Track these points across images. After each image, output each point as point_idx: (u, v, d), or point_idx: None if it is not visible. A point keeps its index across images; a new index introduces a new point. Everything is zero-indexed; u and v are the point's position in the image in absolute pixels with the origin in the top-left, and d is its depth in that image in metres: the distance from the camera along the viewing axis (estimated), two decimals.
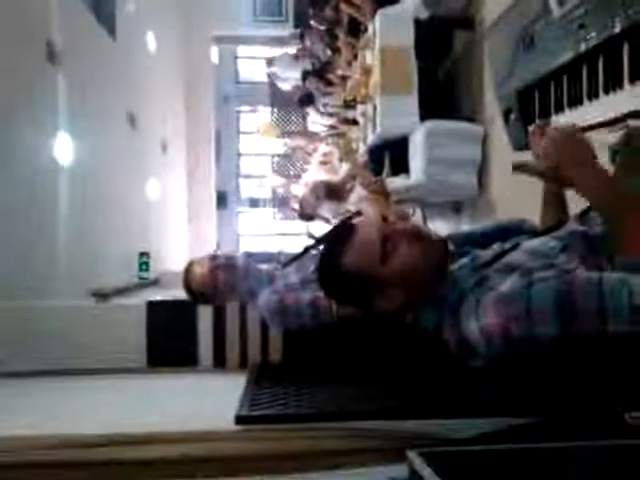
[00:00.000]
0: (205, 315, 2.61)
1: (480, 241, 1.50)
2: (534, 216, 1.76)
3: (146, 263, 5.47)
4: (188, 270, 2.20)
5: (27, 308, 2.83)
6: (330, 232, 1.34)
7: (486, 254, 1.32)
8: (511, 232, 1.60)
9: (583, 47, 1.58)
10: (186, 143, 10.05)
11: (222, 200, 11.27)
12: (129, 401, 2.26)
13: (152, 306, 2.66)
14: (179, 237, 9.29)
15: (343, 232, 1.28)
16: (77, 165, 4.86)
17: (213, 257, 2.21)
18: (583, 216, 1.38)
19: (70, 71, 4.70)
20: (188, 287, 2.21)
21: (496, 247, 1.35)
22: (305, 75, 7.48)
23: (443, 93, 5.36)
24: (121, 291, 3.94)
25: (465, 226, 4.78)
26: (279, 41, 11.15)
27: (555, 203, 1.66)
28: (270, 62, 9.12)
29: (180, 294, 2.40)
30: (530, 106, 1.97)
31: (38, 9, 4.37)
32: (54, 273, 4.29)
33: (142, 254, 5.47)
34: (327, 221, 6.86)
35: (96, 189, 5.34)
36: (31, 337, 2.74)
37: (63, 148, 4.70)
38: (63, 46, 4.57)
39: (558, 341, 1.08)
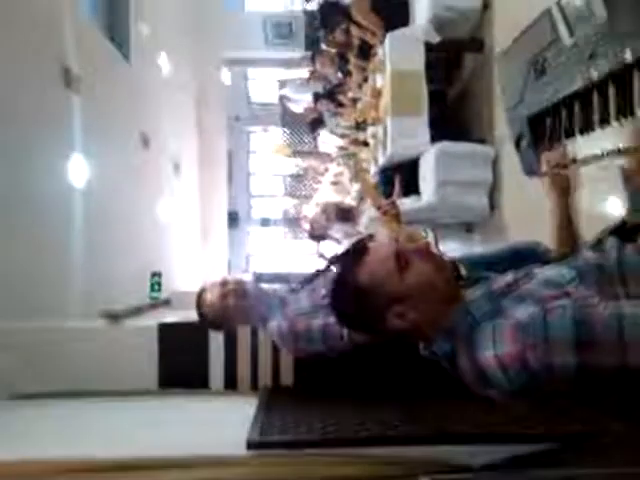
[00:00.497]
0: (217, 338, 2.61)
1: (494, 264, 1.50)
2: (545, 236, 1.76)
3: (158, 283, 5.47)
4: (200, 296, 2.21)
5: (37, 330, 2.85)
6: (343, 254, 1.35)
7: (500, 282, 1.32)
8: (525, 255, 1.60)
9: (594, 75, 1.59)
10: (198, 163, 10.14)
11: (233, 220, 11.33)
12: (139, 425, 2.26)
13: (163, 328, 2.67)
14: (191, 256, 9.32)
15: (356, 252, 1.30)
16: (90, 186, 4.91)
17: (224, 282, 2.21)
18: (596, 245, 1.38)
19: (86, 95, 4.78)
20: (200, 313, 2.22)
21: (510, 275, 1.35)
22: (316, 97, 7.55)
23: (453, 115, 5.40)
24: (133, 312, 3.95)
25: (477, 247, 4.77)
26: (290, 63, 11.29)
27: (566, 225, 1.67)
28: (282, 85, 9.22)
29: (192, 315, 2.41)
30: (541, 132, 1.98)
31: (55, 35, 4.46)
32: (66, 293, 4.31)
33: (154, 274, 5.47)
34: (338, 242, 6.86)
35: (109, 209, 5.39)
36: (42, 359, 2.75)
37: (77, 169, 4.76)
38: (79, 71, 4.64)
39: (576, 371, 1.07)
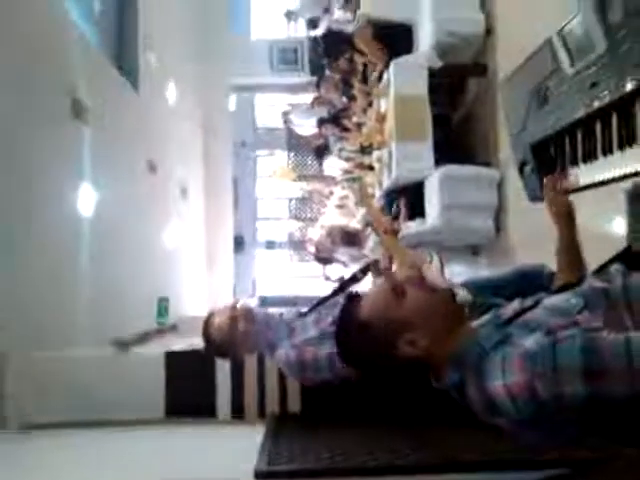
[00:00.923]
0: (223, 366, 2.61)
1: (500, 288, 1.51)
2: (552, 259, 1.77)
3: (165, 308, 5.50)
4: (207, 322, 2.22)
5: (48, 359, 2.85)
6: (342, 310, 1.38)
7: (508, 309, 1.33)
8: (531, 279, 1.61)
9: (596, 104, 1.61)
10: (204, 189, 10.22)
11: (239, 244, 11.36)
12: (146, 454, 2.25)
13: (170, 356, 2.67)
14: (197, 281, 9.34)
15: (353, 297, 1.35)
16: (99, 214, 4.96)
17: (231, 308, 2.21)
18: (601, 271, 1.38)
19: (95, 125, 4.85)
20: (207, 339, 2.22)
21: (517, 303, 1.35)
22: (321, 122, 7.64)
23: (458, 138, 5.44)
24: (141, 338, 3.96)
25: (484, 270, 4.76)
26: (296, 88, 11.44)
27: (570, 251, 1.68)
28: (287, 112, 9.34)
29: (198, 341, 2.41)
30: (545, 159, 2.00)
31: (65, 66, 4.54)
32: (75, 319, 4.32)
33: (161, 299, 5.50)
34: (344, 264, 6.88)
35: (117, 236, 5.43)
36: (50, 389, 2.75)
37: (86, 198, 4.82)
38: (89, 102, 4.72)
39: (587, 400, 1.07)
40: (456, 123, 5.57)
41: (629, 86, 1.50)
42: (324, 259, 6.87)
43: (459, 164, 4.67)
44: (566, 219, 1.68)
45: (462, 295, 1.37)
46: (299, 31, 11.40)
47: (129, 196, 5.98)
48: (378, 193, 5.74)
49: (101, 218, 5.00)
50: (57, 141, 4.37)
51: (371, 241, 4.60)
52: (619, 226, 2.70)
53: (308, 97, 10.49)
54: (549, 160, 1.98)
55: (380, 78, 5.60)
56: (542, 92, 1.79)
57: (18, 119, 3.78)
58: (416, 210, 4.74)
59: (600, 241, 2.06)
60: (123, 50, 6.58)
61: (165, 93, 8.09)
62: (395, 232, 3.07)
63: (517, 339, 1.19)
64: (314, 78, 9.33)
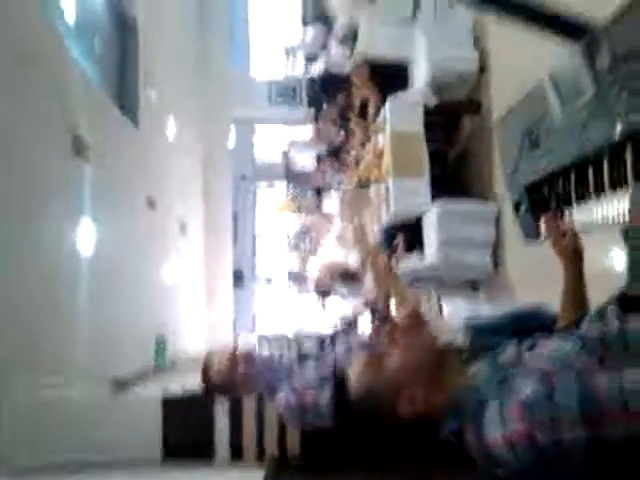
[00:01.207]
0: (222, 407, 2.58)
1: (500, 331, 1.50)
2: (551, 294, 1.76)
3: (163, 347, 5.45)
4: (206, 363, 2.20)
5: (43, 401, 2.82)
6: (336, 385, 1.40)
7: (506, 354, 1.33)
8: (530, 321, 1.60)
9: (587, 148, 1.64)
10: (204, 224, 10.26)
11: (239, 278, 11.35)
12: None
13: (168, 398, 2.65)
14: (197, 317, 9.30)
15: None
16: (97, 250, 4.96)
17: (232, 350, 2.20)
18: (599, 314, 1.38)
19: (95, 162, 4.90)
20: (206, 380, 2.19)
21: (515, 346, 1.35)
22: (319, 159, 7.73)
23: (454, 173, 5.49)
24: (139, 377, 3.91)
25: (483, 306, 4.73)
26: (294, 121, 11.57)
27: (576, 292, 1.68)
28: (286, 152, 9.47)
29: (197, 380, 2.38)
30: (539, 200, 2.02)
31: (67, 104, 4.61)
32: (71, 357, 4.29)
33: (159, 339, 5.45)
34: (343, 297, 6.87)
35: (116, 273, 5.43)
36: (47, 429, 2.72)
37: (84, 234, 4.83)
38: (90, 139, 4.78)
39: (585, 445, 1.06)
40: (452, 158, 5.63)
41: (619, 129, 1.53)
42: (323, 291, 6.86)
43: (456, 199, 4.70)
44: (573, 258, 1.67)
45: (460, 339, 1.36)
46: (298, 65, 11.60)
47: (128, 232, 6.00)
48: (376, 228, 5.77)
49: (100, 255, 5.01)
50: (57, 178, 4.41)
51: (369, 278, 4.60)
52: (619, 263, 2.71)
53: (306, 130, 10.64)
54: (543, 201, 2.00)
55: (377, 114, 5.68)
56: (534, 134, 1.82)
57: (18, 155, 3.82)
58: (414, 245, 4.75)
59: (601, 278, 2.06)
60: (124, 86, 6.68)
61: (165, 129, 8.19)
62: (393, 271, 3.06)
63: (515, 384, 1.19)
64: (312, 110, 9.46)
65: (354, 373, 1.32)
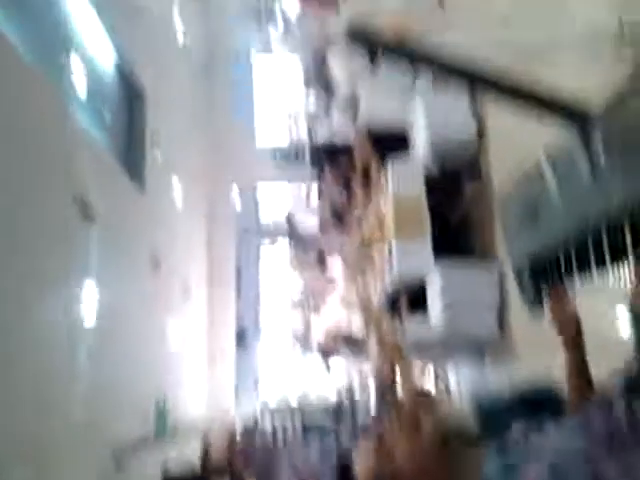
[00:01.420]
0: None
1: (507, 410, 1.48)
2: (556, 357, 1.74)
3: (163, 413, 5.34)
4: (204, 449, 2.16)
5: None
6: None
7: (512, 436, 1.31)
8: (538, 400, 1.58)
9: (586, 222, 1.67)
10: (207, 281, 10.26)
11: (241, 338, 11.22)
12: None
13: (167, 477, 2.57)
14: (197, 381, 9.14)
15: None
16: (100, 313, 4.96)
17: (231, 436, 2.16)
18: (606, 400, 1.37)
19: (101, 225, 4.97)
20: (204, 466, 2.15)
21: (521, 428, 1.33)
22: (322, 226, 7.82)
23: (456, 234, 5.53)
24: (138, 447, 3.80)
25: (490, 373, 4.66)
26: (297, 179, 11.75)
27: (580, 374, 1.66)
28: (290, 215, 9.59)
29: (197, 448, 2.33)
30: (540, 269, 2.03)
31: (73, 168, 4.72)
32: (70, 421, 4.21)
33: (159, 403, 5.35)
34: (346, 358, 6.78)
35: (116, 336, 5.40)
36: None
37: (87, 298, 4.84)
38: (97, 205, 4.87)
39: None
40: (454, 219, 5.68)
41: (616, 203, 1.56)
42: (327, 353, 6.80)
43: (458, 260, 4.71)
44: (574, 337, 1.66)
45: (468, 421, 1.34)
46: (302, 129, 11.86)
47: (132, 294, 6.01)
48: (380, 288, 5.76)
49: (102, 318, 4.99)
50: (64, 240, 4.46)
51: (373, 345, 4.56)
52: (624, 331, 2.69)
53: (310, 191, 10.79)
54: (544, 270, 2.02)
55: (378, 178, 5.79)
56: (533, 208, 1.86)
57: (25, 218, 3.86)
58: (418, 308, 4.74)
59: (605, 347, 2.05)
60: (131, 150, 6.82)
61: (170, 188, 8.31)
62: (399, 347, 3.05)
63: (521, 468, 1.17)
64: (315, 171, 9.62)
65: (359, 464, 1.29)
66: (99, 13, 5.61)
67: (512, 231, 2.03)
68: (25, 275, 3.79)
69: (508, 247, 2.22)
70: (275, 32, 10.22)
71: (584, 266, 1.85)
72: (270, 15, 10.33)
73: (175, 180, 8.49)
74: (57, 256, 4.31)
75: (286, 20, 9.61)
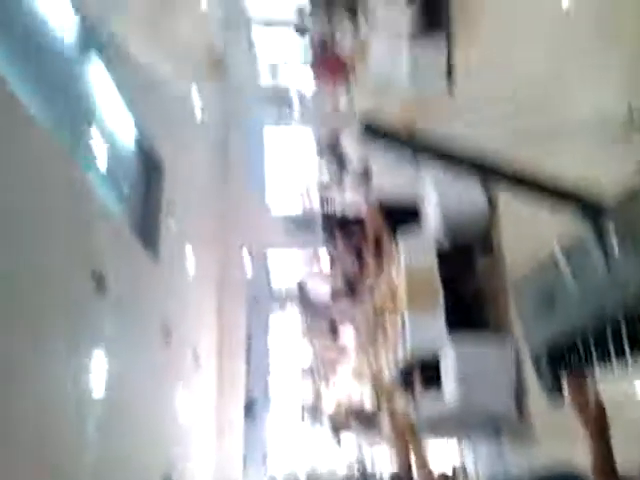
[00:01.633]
0: None
1: None
2: (577, 444, 1.68)
3: None
4: None
5: None
6: None
7: None
8: None
9: (602, 312, 1.66)
10: (217, 349, 10.16)
11: (250, 409, 10.96)
12: None
13: None
14: (206, 453, 8.89)
15: None
16: (110, 382, 4.90)
17: None
18: None
19: (114, 296, 5.00)
20: None
21: None
22: (334, 294, 7.82)
23: (469, 308, 5.48)
24: None
25: (508, 455, 4.49)
26: (309, 245, 11.83)
27: (605, 466, 1.61)
28: (302, 283, 9.62)
29: None
30: (558, 356, 2.01)
31: (92, 243, 4.80)
32: None
33: (167, 477, 5.19)
34: (357, 434, 6.60)
35: (127, 406, 5.32)
36: None
37: (97, 367, 4.80)
38: (110, 275, 4.91)
39: None
40: (466, 293, 5.65)
41: (632, 299, 1.56)
42: (338, 427, 6.62)
43: (473, 333, 4.65)
44: (600, 430, 1.60)
45: None
46: (314, 199, 12.06)
47: (142, 364, 5.96)
48: (392, 360, 5.68)
49: (111, 390, 4.93)
50: (75, 311, 4.46)
51: (386, 421, 4.45)
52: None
53: (321, 259, 10.84)
54: (562, 358, 1.99)
55: (390, 247, 5.83)
56: (549, 296, 1.86)
57: (38, 288, 3.89)
58: (432, 383, 4.64)
59: (632, 435, 1.99)
60: (146, 219, 6.91)
61: (183, 257, 8.38)
62: (412, 423, 2.97)
63: None
64: (326, 239, 9.69)
65: None
66: (119, 88, 5.86)
67: (529, 318, 2.02)
68: (34, 344, 3.78)
69: (525, 333, 2.21)
70: (290, 108, 10.60)
71: (604, 354, 1.82)
72: (285, 92, 10.75)
73: (188, 248, 8.57)
74: (67, 326, 4.31)
75: (301, 96, 9.98)
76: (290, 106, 10.18)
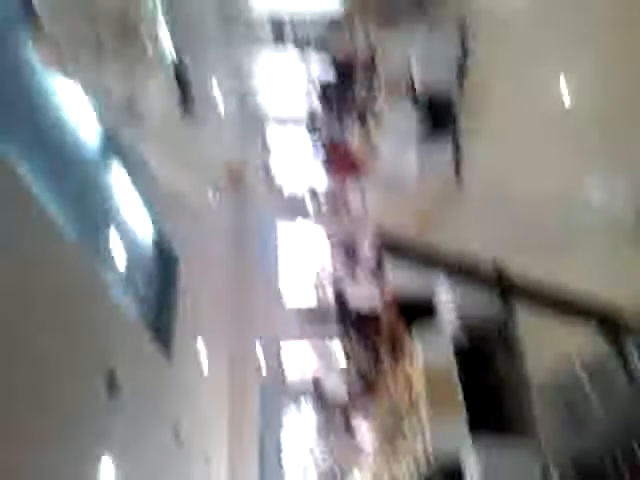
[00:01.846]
0: None
1: None
2: None
3: None
4: None
5: None
6: None
7: None
8: None
9: (628, 427, 1.61)
10: (228, 450, 9.80)
11: None
12: None
13: None
14: None
15: None
16: None
17: None
18: None
19: (126, 398, 4.92)
20: None
21: None
22: (350, 390, 7.65)
23: (489, 405, 5.29)
24: None
25: None
26: (323, 339, 11.67)
27: None
28: (316, 379, 9.45)
29: None
30: (587, 473, 1.92)
31: (106, 342, 4.79)
32: None
33: None
34: None
35: None
36: None
37: (107, 469, 4.63)
38: (123, 377, 4.86)
39: None
40: (486, 388, 5.48)
41: None
42: None
43: (496, 436, 4.45)
44: None
45: None
46: (327, 291, 12.06)
47: (152, 467, 5.75)
48: (412, 466, 5.42)
49: None
50: (85, 413, 4.37)
51: None
52: None
53: (336, 348, 10.66)
54: (591, 474, 1.91)
55: (406, 343, 5.73)
56: (572, 411, 1.81)
57: (50, 388, 3.84)
58: None
59: None
60: (161, 317, 6.91)
61: (196, 355, 8.28)
62: None
63: None
64: (342, 328, 9.59)
65: None
66: (137, 189, 6.06)
67: (552, 431, 1.96)
68: (41, 447, 3.69)
69: (549, 446, 2.13)
70: (304, 211, 10.89)
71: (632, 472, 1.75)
72: (299, 197, 11.07)
73: (201, 344, 8.50)
74: (77, 428, 4.22)
75: (313, 195, 10.27)
76: (304, 209, 10.46)
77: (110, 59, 3.38)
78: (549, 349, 1.97)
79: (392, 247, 1.74)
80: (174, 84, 4.84)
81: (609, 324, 1.58)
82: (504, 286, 1.63)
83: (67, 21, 3.17)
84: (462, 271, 1.66)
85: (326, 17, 9.88)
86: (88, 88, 3.95)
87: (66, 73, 3.73)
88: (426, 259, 1.71)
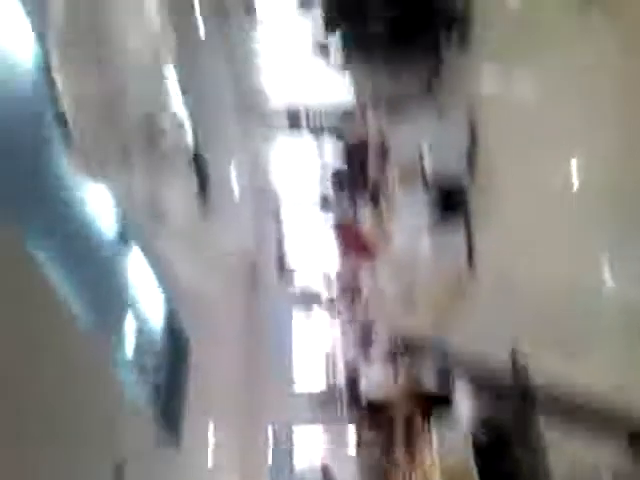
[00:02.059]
0: None
1: None
2: None
3: None
4: None
5: None
6: None
7: None
8: None
9: None
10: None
11: None
12: None
13: None
14: None
15: None
16: None
17: None
18: None
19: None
20: None
21: None
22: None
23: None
24: None
25: None
26: (333, 424, 11.33)
27: None
28: (325, 466, 9.12)
29: None
30: None
31: (114, 434, 4.66)
32: None
33: None
34: None
35: None
36: None
37: None
38: (130, 469, 4.69)
39: None
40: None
41: None
42: None
43: None
44: None
45: None
46: (339, 374, 11.85)
47: None
48: None
49: None
50: None
51: None
52: None
53: (347, 436, 10.32)
54: None
55: (422, 434, 5.51)
56: None
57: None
58: None
59: None
60: (170, 404, 6.72)
61: (205, 443, 8.05)
62: None
63: None
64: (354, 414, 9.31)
65: None
66: (154, 273, 6.08)
67: None
68: None
69: None
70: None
71: None
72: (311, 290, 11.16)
73: (211, 429, 8.26)
74: None
75: (326, 279, 10.33)
76: (318, 298, 10.52)
77: (135, 161, 3.51)
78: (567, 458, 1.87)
79: (413, 348, 1.72)
80: (194, 179, 4.97)
81: (636, 437, 1.52)
82: (525, 392, 1.58)
83: (96, 132, 3.32)
84: (482, 378, 1.62)
85: (339, 108, 10.30)
86: (113, 187, 4.08)
87: (94, 179, 3.87)
88: (444, 371, 1.67)
